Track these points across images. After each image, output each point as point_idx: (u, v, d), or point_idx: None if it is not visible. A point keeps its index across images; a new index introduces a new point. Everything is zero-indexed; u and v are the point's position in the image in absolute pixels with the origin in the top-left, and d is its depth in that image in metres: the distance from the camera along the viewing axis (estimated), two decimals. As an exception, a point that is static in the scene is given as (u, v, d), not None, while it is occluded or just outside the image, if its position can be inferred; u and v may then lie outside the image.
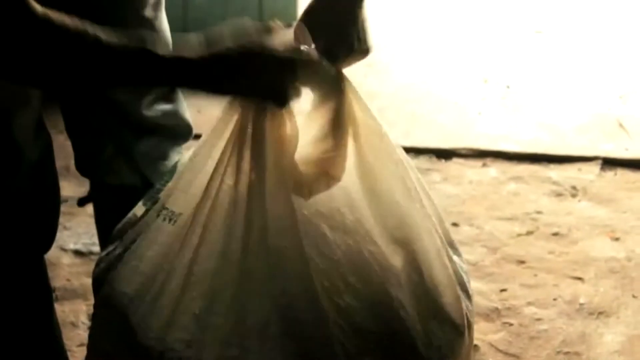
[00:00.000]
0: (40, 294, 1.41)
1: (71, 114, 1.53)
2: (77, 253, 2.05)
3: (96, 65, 0.97)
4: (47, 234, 1.36)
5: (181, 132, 1.58)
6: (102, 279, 1.17)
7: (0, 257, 1.30)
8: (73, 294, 1.91)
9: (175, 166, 1.40)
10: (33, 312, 1.40)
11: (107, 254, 1.19)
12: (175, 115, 1.56)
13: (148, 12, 1.41)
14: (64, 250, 2.05)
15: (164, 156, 1.54)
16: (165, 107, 1.53)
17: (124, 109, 1.49)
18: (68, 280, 1.96)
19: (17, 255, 1.32)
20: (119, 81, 1.04)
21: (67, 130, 1.55)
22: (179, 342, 1.11)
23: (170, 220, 1.13)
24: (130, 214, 1.22)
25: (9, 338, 1.40)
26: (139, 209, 1.21)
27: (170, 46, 1.36)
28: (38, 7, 0.92)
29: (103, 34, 0.95)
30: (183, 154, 1.46)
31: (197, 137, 1.47)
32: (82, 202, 1.69)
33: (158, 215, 1.14)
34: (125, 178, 1.53)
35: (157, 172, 1.48)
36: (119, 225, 1.21)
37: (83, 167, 1.59)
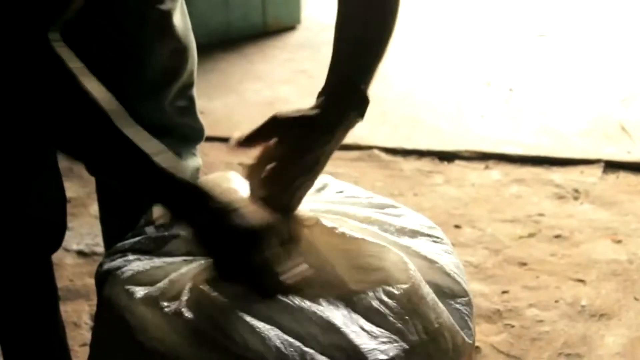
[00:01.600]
0: (46, 294, 1.42)
1: None
2: (80, 253, 2.06)
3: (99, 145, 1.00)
4: (56, 234, 1.36)
5: (194, 135, 1.51)
6: (104, 280, 1.17)
7: (8, 257, 1.31)
8: (76, 294, 1.92)
9: (195, 173, 1.40)
10: (38, 311, 1.41)
11: (114, 257, 1.19)
12: (191, 114, 1.49)
13: (167, 4, 1.38)
14: (67, 250, 2.05)
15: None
16: (183, 103, 1.45)
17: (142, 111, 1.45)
18: (71, 280, 1.97)
19: (26, 254, 1.32)
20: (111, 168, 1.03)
21: None
22: (179, 344, 1.11)
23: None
24: (148, 217, 1.22)
25: (15, 337, 1.41)
26: (154, 211, 1.22)
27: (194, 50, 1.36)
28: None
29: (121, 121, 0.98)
30: (198, 158, 1.44)
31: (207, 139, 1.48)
32: None
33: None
34: None
35: None
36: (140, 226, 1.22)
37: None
